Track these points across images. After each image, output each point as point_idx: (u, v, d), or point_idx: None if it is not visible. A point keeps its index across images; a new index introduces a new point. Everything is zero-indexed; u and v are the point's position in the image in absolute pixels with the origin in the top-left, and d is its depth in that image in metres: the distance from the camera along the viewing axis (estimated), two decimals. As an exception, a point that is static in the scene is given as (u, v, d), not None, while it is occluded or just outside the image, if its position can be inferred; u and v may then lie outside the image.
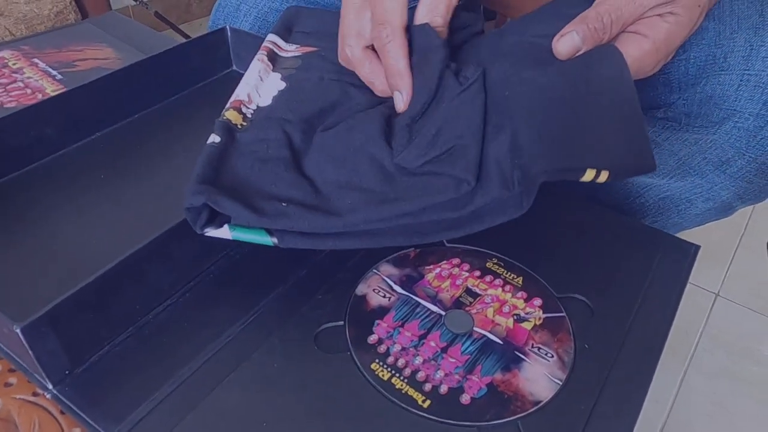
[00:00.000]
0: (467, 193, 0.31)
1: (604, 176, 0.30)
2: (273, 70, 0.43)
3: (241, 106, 0.38)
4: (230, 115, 0.37)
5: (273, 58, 0.44)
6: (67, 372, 0.31)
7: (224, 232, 0.32)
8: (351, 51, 0.39)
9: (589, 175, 0.30)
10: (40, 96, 0.51)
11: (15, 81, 0.52)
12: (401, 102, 0.38)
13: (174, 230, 0.34)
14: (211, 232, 0.32)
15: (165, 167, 0.46)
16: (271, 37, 0.46)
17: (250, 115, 0.38)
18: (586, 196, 0.46)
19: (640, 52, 0.36)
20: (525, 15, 0.44)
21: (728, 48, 0.43)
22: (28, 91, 0.51)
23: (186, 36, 1.63)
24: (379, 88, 0.40)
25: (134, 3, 1.54)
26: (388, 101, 0.40)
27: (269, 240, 0.32)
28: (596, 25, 0.35)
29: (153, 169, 0.45)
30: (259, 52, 0.44)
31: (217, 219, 0.32)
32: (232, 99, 0.39)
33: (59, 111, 0.45)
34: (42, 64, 0.54)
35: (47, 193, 0.43)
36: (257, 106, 0.39)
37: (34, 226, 0.40)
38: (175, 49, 0.52)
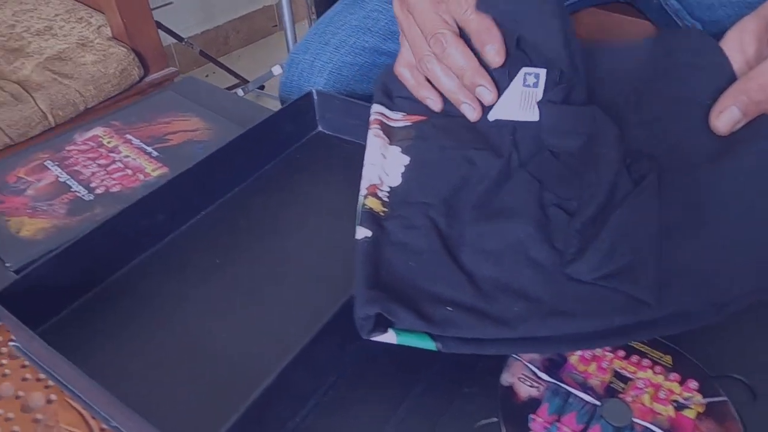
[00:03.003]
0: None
1: None
2: (390, 144, 0.42)
3: (377, 190, 0.38)
4: (371, 203, 0.37)
5: (387, 130, 0.43)
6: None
7: (390, 337, 0.31)
8: (444, 38, 0.42)
9: None
10: (141, 176, 0.51)
11: (114, 161, 0.52)
12: (489, 95, 0.41)
13: (320, 334, 0.33)
14: (378, 338, 0.31)
15: (277, 246, 0.45)
16: (377, 107, 0.45)
17: (386, 199, 0.38)
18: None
19: None
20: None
21: None
22: (129, 171, 0.51)
23: (229, 70, 1.65)
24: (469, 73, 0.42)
25: (176, 42, 1.56)
26: (515, 161, 0.39)
27: (433, 345, 0.31)
28: (760, 98, 0.33)
29: (265, 248, 0.45)
30: (372, 126, 0.43)
31: (381, 323, 0.31)
32: (365, 183, 0.39)
33: (168, 197, 0.45)
34: (136, 141, 0.55)
35: (172, 285, 0.42)
36: (389, 188, 0.39)
37: (173, 328, 0.40)
38: (268, 120, 0.52)
